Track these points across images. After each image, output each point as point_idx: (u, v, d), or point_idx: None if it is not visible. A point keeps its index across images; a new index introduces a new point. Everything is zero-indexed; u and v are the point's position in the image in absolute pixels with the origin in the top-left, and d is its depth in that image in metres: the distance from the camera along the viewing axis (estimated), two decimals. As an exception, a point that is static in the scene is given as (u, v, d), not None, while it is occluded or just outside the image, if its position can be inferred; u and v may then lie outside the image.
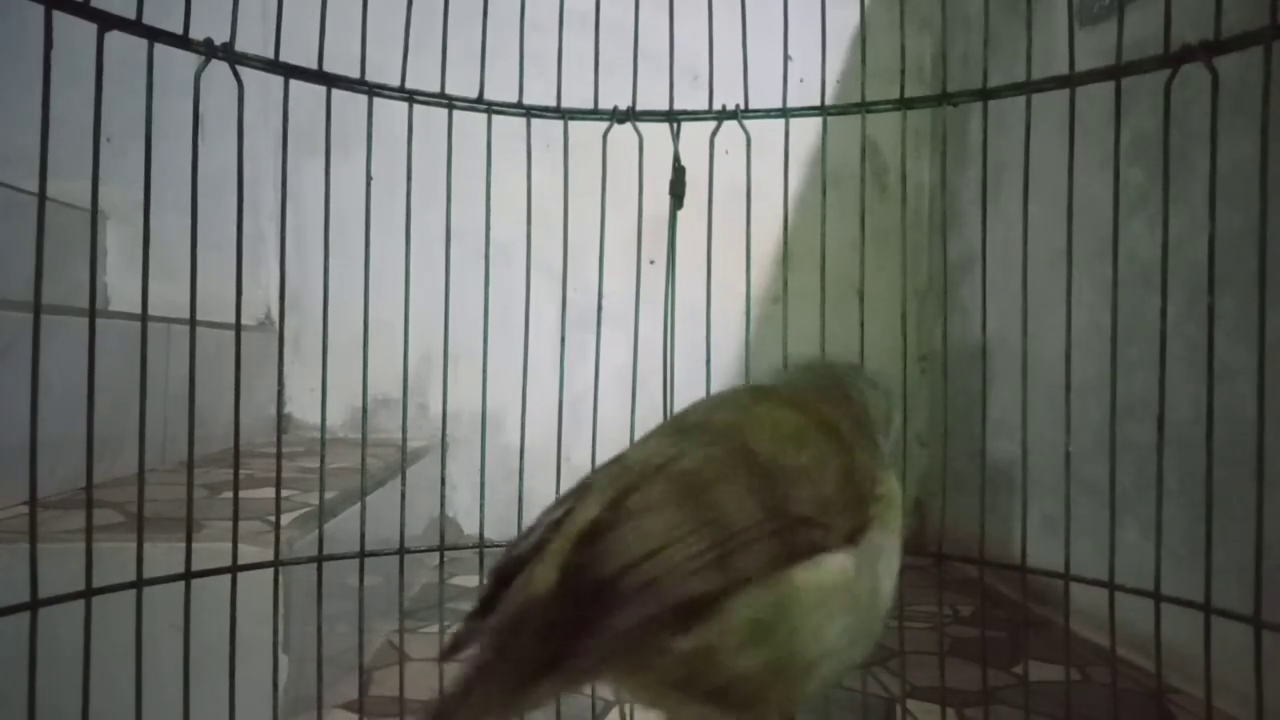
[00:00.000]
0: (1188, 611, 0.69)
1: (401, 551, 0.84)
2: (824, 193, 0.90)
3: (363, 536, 0.84)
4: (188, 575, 0.69)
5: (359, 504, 0.86)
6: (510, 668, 0.37)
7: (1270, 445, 0.65)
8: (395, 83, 0.84)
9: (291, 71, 0.78)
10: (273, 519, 0.79)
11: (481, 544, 0.89)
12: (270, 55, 0.77)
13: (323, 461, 0.84)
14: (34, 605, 0.58)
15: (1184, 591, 0.70)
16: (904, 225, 1.14)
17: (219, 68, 0.71)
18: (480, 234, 0.89)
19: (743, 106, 0.90)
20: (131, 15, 0.65)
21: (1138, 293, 0.83)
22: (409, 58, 0.84)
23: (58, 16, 0.58)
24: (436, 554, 0.89)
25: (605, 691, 1.07)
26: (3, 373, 0.96)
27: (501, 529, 0.97)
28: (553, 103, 0.91)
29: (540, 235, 0.90)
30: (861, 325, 0.88)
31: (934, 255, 1.99)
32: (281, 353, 0.87)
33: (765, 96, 0.92)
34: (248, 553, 0.75)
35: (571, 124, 0.90)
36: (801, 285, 1.24)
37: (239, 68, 0.72)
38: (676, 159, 0.89)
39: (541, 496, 1.00)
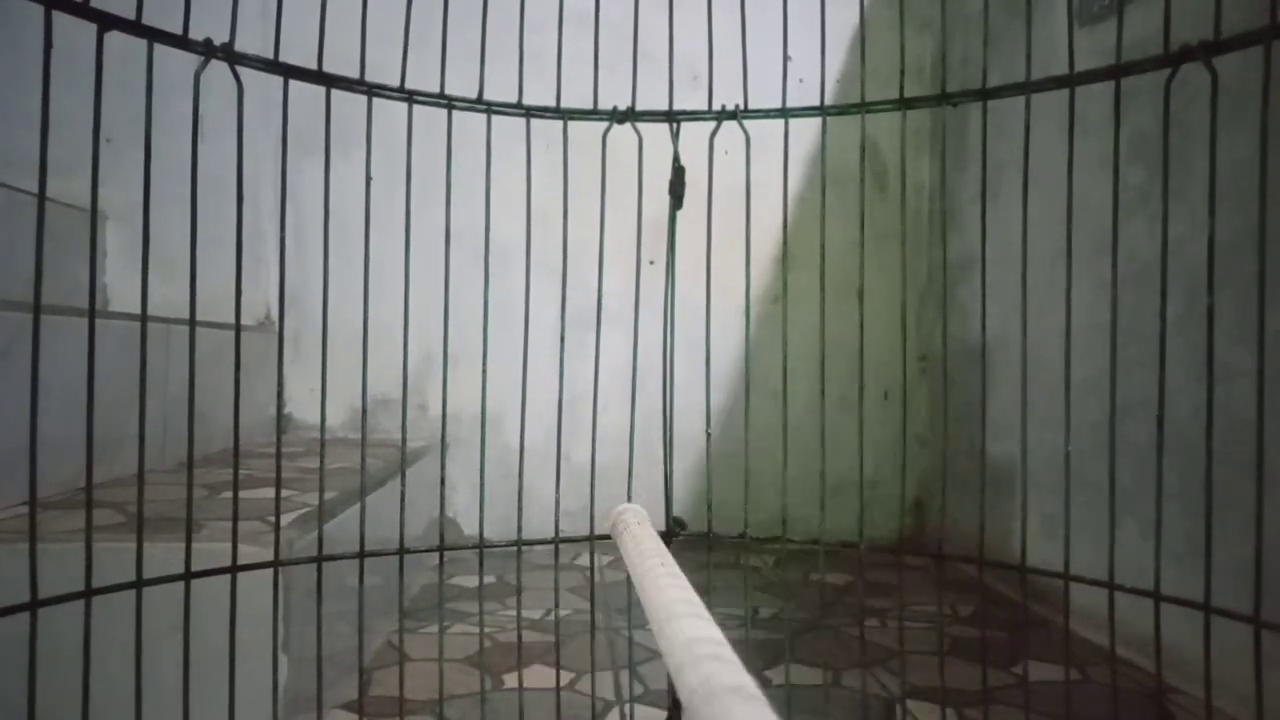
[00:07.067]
0: (1188, 611, 0.69)
1: (401, 551, 0.84)
2: (824, 193, 0.90)
3: (362, 536, 0.84)
4: (188, 575, 0.69)
5: (359, 504, 0.86)
6: None
7: (1270, 445, 0.65)
8: (395, 83, 0.84)
9: (291, 72, 0.78)
10: (272, 519, 0.79)
11: (481, 544, 0.89)
12: (270, 55, 0.77)
13: (322, 461, 0.84)
14: (34, 605, 0.58)
15: (1184, 591, 0.70)
16: (904, 225, 1.14)
17: (219, 68, 0.71)
18: (480, 234, 0.89)
19: (742, 106, 0.90)
20: (131, 15, 0.65)
21: (1137, 292, 0.83)
22: (409, 58, 0.84)
23: (57, 16, 0.58)
24: (436, 554, 0.89)
25: (605, 691, 1.07)
26: (3, 373, 0.96)
27: (501, 529, 0.97)
28: (552, 103, 0.91)
29: (540, 235, 0.90)
30: (861, 325, 0.88)
31: (934, 255, 1.99)
32: (281, 353, 0.87)
33: (765, 96, 0.92)
34: (247, 553, 0.75)
35: (571, 124, 0.90)
36: (801, 285, 1.24)
37: (239, 68, 0.72)
38: (676, 159, 0.89)
39: (542, 496, 1.00)
